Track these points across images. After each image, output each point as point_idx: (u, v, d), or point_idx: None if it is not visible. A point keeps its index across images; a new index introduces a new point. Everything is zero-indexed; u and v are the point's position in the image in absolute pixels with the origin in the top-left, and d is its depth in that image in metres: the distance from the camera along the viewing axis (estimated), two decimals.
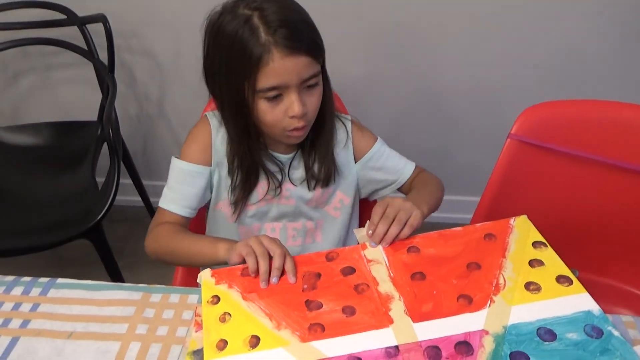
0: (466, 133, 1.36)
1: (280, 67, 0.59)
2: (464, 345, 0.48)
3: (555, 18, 1.15)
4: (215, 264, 0.61)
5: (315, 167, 0.72)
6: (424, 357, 0.47)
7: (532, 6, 1.14)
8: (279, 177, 0.72)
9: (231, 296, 0.55)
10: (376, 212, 0.60)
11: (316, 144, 0.71)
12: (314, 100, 0.64)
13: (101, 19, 1.15)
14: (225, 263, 0.60)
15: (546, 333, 0.48)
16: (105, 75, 1.12)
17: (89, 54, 1.16)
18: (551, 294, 0.52)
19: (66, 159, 1.19)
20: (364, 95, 1.30)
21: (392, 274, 0.56)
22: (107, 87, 1.10)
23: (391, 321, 0.51)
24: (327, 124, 0.71)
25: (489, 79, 1.26)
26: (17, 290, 0.60)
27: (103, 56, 1.18)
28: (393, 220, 0.59)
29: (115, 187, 1.01)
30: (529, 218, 0.62)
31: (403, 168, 0.77)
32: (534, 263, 0.56)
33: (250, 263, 0.56)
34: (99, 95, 1.23)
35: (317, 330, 0.50)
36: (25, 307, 0.58)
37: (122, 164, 1.24)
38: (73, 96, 1.39)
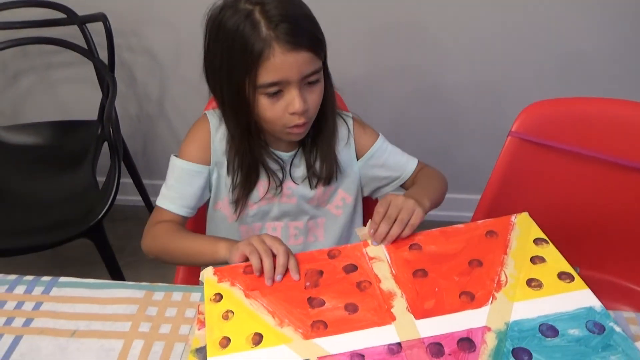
0: (467, 131, 1.36)
1: (281, 62, 0.58)
2: (467, 341, 0.48)
3: (555, 17, 1.15)
4: (214, 264, 0.61)
5: (317, 165, 0.72)
6: (426, 353, 0.47)
7: (532, 6, 1.14)
8: (280, 175, 0.71)
9: (234, 294, 0.55)
10: (378, 211, 0.60)
11: (318, 142, 0.71)
12: (314, 97, 0.64)
13: (101, 18, 1.15)
14: (224, 262, 0.60)
15: (548, 329, 0.48)
16: (106, 75, 1.12)
17: (89, 53, 1.16)
18: (553, 290, 0.52)
19: (66, 158, 1.19)
20: (365, 95, 1.30)
21: (394, 271, 0.57)
22: (107, 87, 1.10)
23: (393, 318, 0.51)
24: (329, 121, 0.70)
25: (490, 77, 1.26)
26: (20, 289, 0.60)
27: (103, 55, 1.18)
28: (395, 220, 0.59)
29: (116, 186, 1.01)
30: (530, 215, 0.62)
31: (405, 164, 0.77)
32: (535, 260, 0.56)
33: (254, 262, 0.56)
34: (99, 95, 1.23)
35: (320, 327, 0.50)
36: (28, 306, 0.58)
37: (122, 163, 1.24)
38: (73, 95, 1.39)
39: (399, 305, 0.52)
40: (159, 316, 0.56)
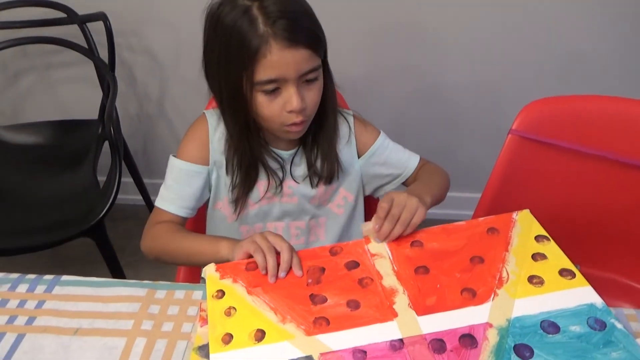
0: (467, 131, 1.36)
1: (279, 59, 0.58)
2: (468, 338, 0.48)
3: (555, 17, 1.15)
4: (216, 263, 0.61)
5: (318, 164, 0.71)
6: (428, 349, 0.47)
7: (532, 6, 1.14)
8: (280, 174, 0.71)
9: (236, 290, 0.55)
10: (382, 206, 0.59)
11: (319, 140, 0.70)
12: (313, 95, 0.63)
13: (101, 17, 1.15)
14: (226, 261, 0.60)
15: (550, 326, 0.48)
16: (106, 74, 1.12)
17: (90, 52, 1.16)
18: (554, 287, 0.52)
19: (67, 157, 1.19)
20: (365, 95, 1.30)
21: (396, 268, 0.57)
22: (107, 86, 1.10)
23: (395, 314, 0.51)
24: (329, 119, 0.70)
25: (490, 77, 1.26)
26: (22, 288, 0.60)
27: (103, 55, 1.18)
28: (398, 218, 0.59)
29: (116, 185, 1.01)
30: (530, 213, 0.62)
31: (407, 161, 0.76)
32: (536, 257, 0.56)
33: (259, 259, 0.56)
34: (99, 94, 1.23)
35: (322, 323, 0.51)
36: (31, 305, 0.58)
37: (122, 162, 1.24)
38: (73, 95, 1.39)
39: (401, 302, 0.52)
40: (162, 314, 0.56)
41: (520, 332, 0.48)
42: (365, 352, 0.48)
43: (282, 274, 0.56)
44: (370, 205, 0.84)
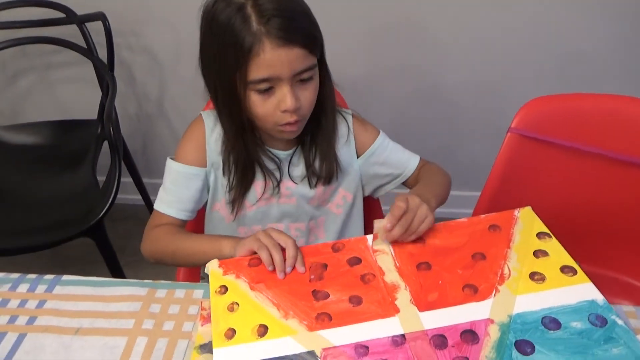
0: (467, 131, 1.36)
1: (272, 58, 0.57)
2: (470, 333, 0.48)
3: (555, 17, 1.15)
4: None
5: (317, 164, 0.70)
6: (430, 345, 0.47)
7: (532, 6, 1.14)
8: (277, 175, 0.70)
9: (239, 286, 0.55)
10: (399, 207, 0.57)
11: (317, 140, 0.69)
12: (308, 94, 0.62)
13: (100, 17, 1.15)
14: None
15: (551, 322, 0.48)
16: (105, 74, 1.12)
17: (89, 52, 1.16)
18: (556, 283, 0.53)
19: (66, 157, 1.19)
20: (365, 95, 1.30)
21: (397, 264, 0.57)
22: (106, 86, 1.10)
23: (397, 310, 0.51)
24: (328, 118, 0.69)
25: (490, 77, 1.26)
26: (23, 288, 0.60)
27: (102, 54, 1.18)
28: (410, 224, 0.58)
29: (116, 185, 1.01)
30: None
31: (407, 162, 0.75)
32: (538, 253, 0.56)
33: (264, 256, 0.56)
34: (98, 94, 1.23)
35: (324, 319, 0.51)
36: (32, 304, 0.57)
37: (122, 162, 1.24)
38: (73, 95, 1.38)
39: (403, 298, 0.53)
40: (162, 313, 0.56)
41: (521, 328, 0.48)
42: (367, 347, 0.48)
43: (288, 269, 0.56)
44: (370, 206, 0.84)
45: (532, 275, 0.54)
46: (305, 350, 0.48)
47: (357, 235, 0.71)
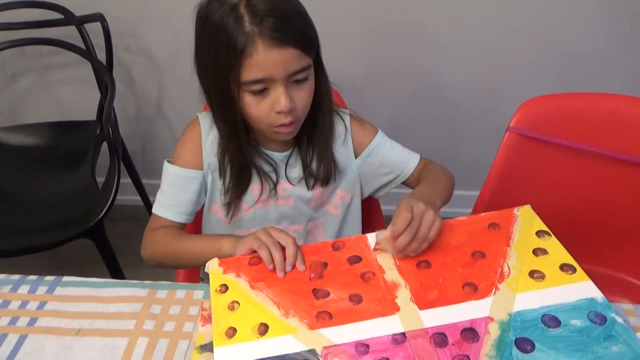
0: (467, 131, 1.36)
1: (265, 59, 0.56)
2: (470, 331, 0.48)
3: (555, 17, 1.15)
4: None
5: (314, 165, 0.70)
6: (430, 343, 0.47)
7: (532, 6, 1.14)
8: (273, 177, 0.69)
9: (239, 285, 0.56)
10: (403, 216, 0.55)
11: (314, 140, 0.69)
12: (303, 95, 0.61)
13: (99, 18, 1.15)
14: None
15: (550, 320, 0.49)
16: (104, 75, 1.12)
17: (87, 53, 1.16)
18: (555, 281, 0.53)
19: (66, 158, 1.19)
20: (365, 94, 1.30)
21: (397, 262, 0.57)
22: (105, 87, 1.10)
23: (398, 309, 0.51)
24: (325, 119, 0.68)
25: (489, 77, 1.26)
26: (24, 289, 0.60)
27: (101, 55, 1.18)
28: (416, 230, 0.55)
29: (115, 185, 1.01)
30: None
31: (406, 161, 0.74)
32: (538, 252, 0.57)
33: (265, 255, 0.56)
34: (97, 95, 1.23)
35: (325, 318, 0.51)
36: (32, 306, 0.58)
37: (121, 163, 1.23)
38: (72, 96, 1.38)
39: (403, 296, 0.53)
40: (163, 314, 0.56)
41: (521, 326, 0.48)
42: (367, 345, 0.48)
43: (288, 267, 0.56)
44: (370, 205, 0.83)
45: (532, 274, 0.54)
46: (306, 348, 0.48)
47: (354, 234, 0.70)
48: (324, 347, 0.48)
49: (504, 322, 0.49)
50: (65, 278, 0.61)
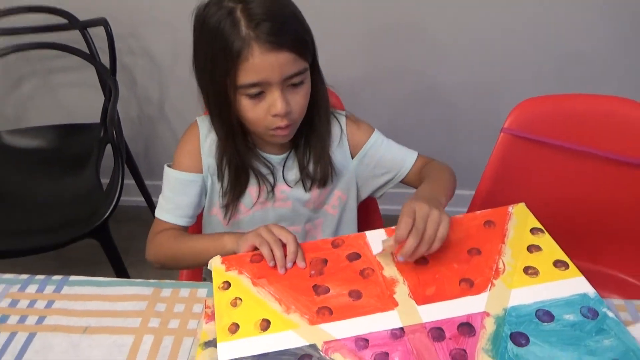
0: (465, 132, 1.36)
1: (261, 62, 0.56)
2: (467, 326, 0.49)
3: (554, 17, 1.16)
4: None
5: (311, 167, 0.70)
6: (428, 338, 0.49)
7: (532, 7, 1.15)
8: (271, 179, 0.70)
9: (241, 282, 0.56)
10: (404, 221, 0.53)
11: (311, 143, 0.69)
12: (299, 99, 0.61)
13: (102, 22, 1.17)
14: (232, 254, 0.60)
15: (544, 314, 0.50)
16: (107, 78, 1.13)
17: (91, 57, 1.17)
18: (549, 277, 0.54)
19: (70, 160, 1.20)
20: (363, 95, 1.31)
21: (396, 259, 0.58)
22: (109, 90, 1.11)
23: (396, 304, 0.52)
24: (322, 121, 0.68)
25: (488, 78, 1.26)
26: (32, 288, 0.61)
27: (104, 59, 1.20)
28: (423, 233, 0.53)
29: (120, 187, 1.03)
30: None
31: (403, 159, 0.74)
32: (532, 248, 0.58)
33: (266, 252, 0.57)
34: (101, 98, 1.25)
35: (325, 313, 0.52)
36: (41, 304, 0.58)
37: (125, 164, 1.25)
38: (75, 99, 1.40)
39: (401, 292, 0.54)
40: (168, 312, 0.57)
41: (516, 320, 0.49)
42: (367, 340, 0.49)
43: (289, 264, 0.57)
44: (368, 205, 0.84)
45: (526, 270, 0.55)
46: (307, 343, 0.49)
47: (350, 232, 0.72)
48: (325, 342, 0.49)
49: (499, 317, 0.50)
50: (72, 277, 0.62)
